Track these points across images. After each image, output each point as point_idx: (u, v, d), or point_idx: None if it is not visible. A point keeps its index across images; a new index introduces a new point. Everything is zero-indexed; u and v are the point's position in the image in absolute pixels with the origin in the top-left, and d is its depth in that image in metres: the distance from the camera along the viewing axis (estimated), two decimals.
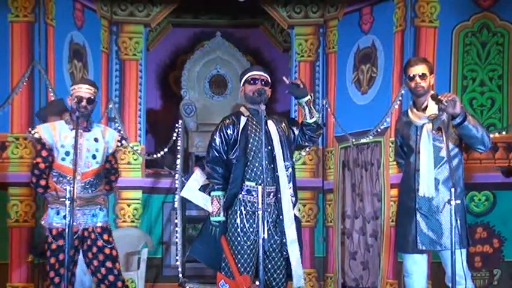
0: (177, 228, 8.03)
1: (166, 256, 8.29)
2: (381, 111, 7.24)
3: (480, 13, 7.04)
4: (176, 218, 8.05)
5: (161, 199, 8.37)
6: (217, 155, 5.10)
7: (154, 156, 8.39)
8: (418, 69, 5.11)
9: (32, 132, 5.17)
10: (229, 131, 5.10)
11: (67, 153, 5.09)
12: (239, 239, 5.00)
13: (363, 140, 7.48)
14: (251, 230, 4.97)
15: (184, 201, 8.21)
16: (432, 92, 5.16)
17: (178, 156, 8.37)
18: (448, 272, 5.09)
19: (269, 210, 5.02)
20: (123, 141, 5.42)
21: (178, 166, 8.25)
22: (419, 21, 7.03)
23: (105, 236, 5.18)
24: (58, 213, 5.11)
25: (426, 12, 7.02)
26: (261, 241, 4.64)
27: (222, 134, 5.11)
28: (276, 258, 5.07)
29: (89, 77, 7.68)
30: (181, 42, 9.54)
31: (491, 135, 6.75)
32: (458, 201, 4.68)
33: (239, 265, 4.98)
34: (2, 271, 6.70)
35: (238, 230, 5.01)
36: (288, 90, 5.16)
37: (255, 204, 4.87)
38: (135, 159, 8.21)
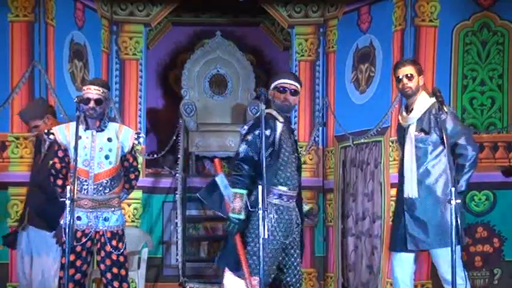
0: (177, 228, 8.04)
1: (166, 256, 8.31)
2: (379, 111, 7.26)
3: (480, 12, 7.06)
4: (176, 218, 8.06)
5: (161, 199, 8.38)
6: (251, 154, 5.04)
7: (155, 156, 8.41)
8: (405, 70, 5.25)
9: (48, 133, 5.23)
10: (266, 133, 5.00)
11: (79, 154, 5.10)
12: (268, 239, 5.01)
13: (363, 140, 7.48)
14: (280, 233, 5.03)
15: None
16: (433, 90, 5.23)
17: (179, 156, 8.40)
18: (439, 270, 5.14)
19: (294, 213, 5.15)
20: (141, 139, 5.42)
21: (178, 166, 8.26)
22: (419, 20, 7.04)
23: (114, 242, 5.22)
24: None
25: (426, 11, 7.03)
26: (261, 240, 4.62)
27: (257, 135, 5.03)
28: (295, 255, 5.17)
29: (89, 76, 7.70)
30: (181, 41, 9.56)
31: (492, 135, 6.95)
32: (459, 201, 4.70)
33: (265, 266, 4.98)
34: (2, 271, 6.71)
35: (268, 232, 4.99)
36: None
37: (282, 208, 5.05)
38: None
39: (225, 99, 9.26)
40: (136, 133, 5.39)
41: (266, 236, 4.64)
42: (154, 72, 9.34)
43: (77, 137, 4.87)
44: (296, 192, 5.17)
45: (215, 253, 8.34)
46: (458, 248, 4.98)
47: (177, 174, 8.26)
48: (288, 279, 5.14)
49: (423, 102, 5.24)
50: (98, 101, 5.13)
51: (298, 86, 5.21)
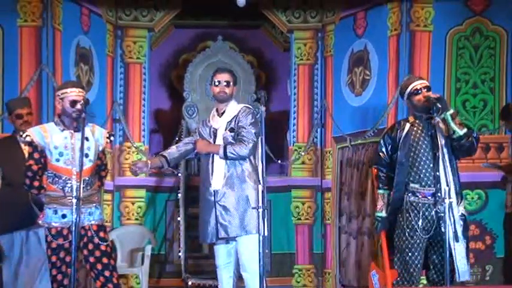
0: (180, 226, 8.10)
1: (169, 252, 8.37)
2: (375, 113, 7.36)
3: (473, 18, 7.17)
4: (179, 216, 8.14)
5: (165, 197, 8.44)
6: (381, 156, 5.60)
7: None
8: (224, 76, 5.62)
9: (24, 135, 5.21)
10: (393, 135, 5.59)
11: (60, 154, 5.16)
12: (406, 235, 5.38)
13: (360, 141, 7.58)
14: (416, 227, 5.37)
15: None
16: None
17: None
18: (240, 258, 5.48)
19: (434, 209, 5.38)
20: (112, 138, 5.50)
21: (181, 165, 8.31)
22: (414, 25, 7.16)
23: (101, 234, 5.25)
24: (56, 212, 5.17)
25: (421, 17, 7.15)
26: (260, 238, 4.85)
27: (385, 139, 5.65)
28: (440, 251, 5.43)
29: (94, 79, 7.79)
30: (184, 42, 9.49)
31: (484, 136, 6.98)
32: (452, 200, 5.16)
33: (407, 258, 5.40)
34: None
35: (404, 227, 5.40)
36: (441, 107, 5.35)
37: (419, 205, 5.38)
38: (139, 159, 8.23)
39: None
40: (108, 132, 5.47)
41: (266, 234, 4.90)
42: (157, 72, 9.31)
43: (83, 139, 5.00)
44: (432, 189, 5.38)
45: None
46: (254, 236, 5.28)
47: (180, 174, 8.34)
48: (435, 276, 5.48)
49: (234, 108, 5.62)
50: (86, 102, 5.19)
51: (427, 82, 5.58)
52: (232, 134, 5.50)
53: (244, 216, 5.40)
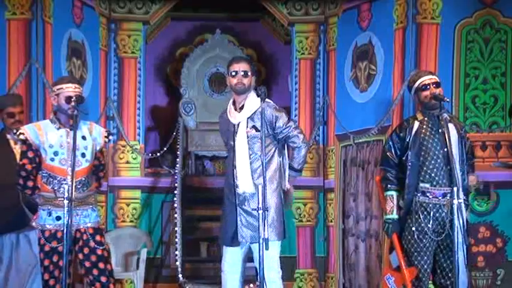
0: (176, 228, 8.06)
1: (166, 256, 8.37)
2: (381, 109, 7.26)
3: (483, 9, 7.05)
4: (176, 218, 8.08)
5: (161, 199, 8.42)
6: (389, 157, 5.53)
7: (151, 155, 8.44)
8: (242, 66, 5.28)
9: (17, 133, 5.12)
10: (401, 135, 5.50)
11: (56, 153, 5.07)
12: (415, 237, 5.34)
13: (364, 138, 7.48)
14: (426, 230, 5.30)
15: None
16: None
17: (178, 154, 8.45)
18: (256, 265, 5.19)
19: (446, 210, 5.31)
20: (110, 137, 5.42)
21: (177, 165, 8.30)
22: (421, 18, 7.04)
23: (98, 237, 5.16)
24: (50, 214, 5.09)
25: (428, 8, 7.03)
26: (261, 240, 4.69)
27: (393, 138, 5.56)
28: (448, 254, 5.35)
29: (88, 75, 7.74)
30: (180, 35, 9.57)
31: (495, 134, 6.98)
32: (461, 200, 5.07)
33: (415, 262, 5.35)
34: None
35: (413, 229, 5.34)
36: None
37: (430, 205, 5.31)
38: (134, 158, 8.26)
39: (225, 98, 9.16)
40: (106, 131, 5.39)
41: (267, 237, 4.70)
42: (152, 67, 9.35)
43: (75, 137, 4.89)
44: (443, 189, 5.29)
45: (215, 253, 8.38)
46: (278, 242, 5.14)
47: (176, 174, 8.28)
48: (442, 281, 5.38)
49: (253, 102, 5.28)
50: (79, 99, 5.09)
51: (437, 77, 5.47)
52: (258, 133, 5.18)
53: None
